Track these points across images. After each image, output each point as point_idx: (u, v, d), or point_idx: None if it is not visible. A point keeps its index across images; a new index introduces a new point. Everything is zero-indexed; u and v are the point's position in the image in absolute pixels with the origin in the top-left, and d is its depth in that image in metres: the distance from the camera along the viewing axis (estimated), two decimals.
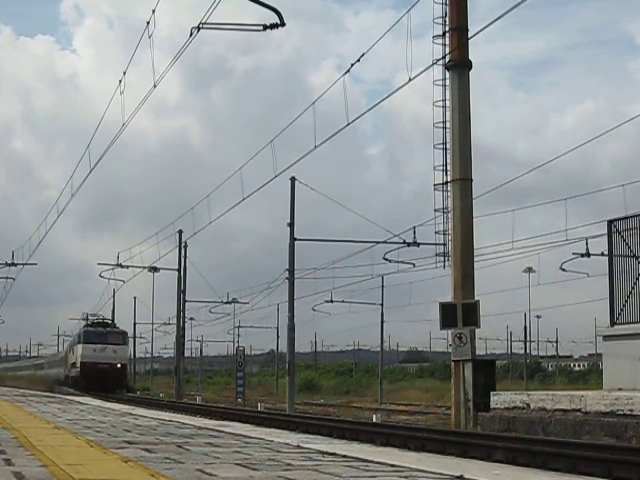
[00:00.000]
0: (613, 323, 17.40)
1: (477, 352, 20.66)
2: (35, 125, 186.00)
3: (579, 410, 14.21)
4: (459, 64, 20.09)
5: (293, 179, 30.60)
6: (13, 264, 39.49)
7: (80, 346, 54.78)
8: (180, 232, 43.49)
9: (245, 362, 43.45)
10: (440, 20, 20.76)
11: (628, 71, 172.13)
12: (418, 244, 32.30)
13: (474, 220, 20.31)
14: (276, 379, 69.48)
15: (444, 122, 21.29)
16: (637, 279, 16.98)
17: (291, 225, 30.91)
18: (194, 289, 60.34)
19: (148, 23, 16.71)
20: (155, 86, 18.60)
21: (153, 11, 16.57)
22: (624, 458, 10.95)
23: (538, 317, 71.81)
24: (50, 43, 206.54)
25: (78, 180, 28.29)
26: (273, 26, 14.30)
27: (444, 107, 21.19)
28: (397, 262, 35.70)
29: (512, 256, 33.35)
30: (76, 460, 5.63)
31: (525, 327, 63.92)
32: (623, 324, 17.02)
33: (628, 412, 13.23)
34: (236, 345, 62.07)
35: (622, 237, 17.39)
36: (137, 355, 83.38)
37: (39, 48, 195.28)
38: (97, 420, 11.60)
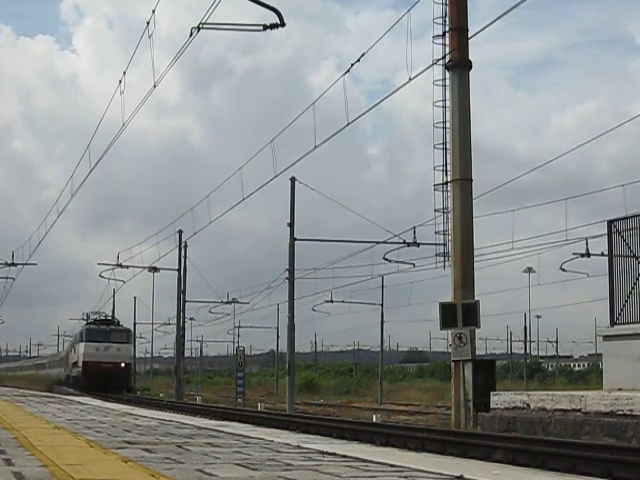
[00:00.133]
0: (613, 323, 17.39)
1: (477, 352, 20.66)
2: (35, 125, 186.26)
3: (579, 410, 14.21)
4: (459, 64, 20.09)
5: (293, 179, 30.60)
6: (13, 264, 39.50)
7: (82, 344, 52.97)
8: (180, 232, 43.52)
9: (245, 362, 43.43)
10: (440, 20, 20.77)
11: (628, 71, 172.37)
12: (418, 244, 32.30)
13: (474, 220, 20.32)
14: (276, 379, 69.50)
15: (444, 122, 21.29)
16: (637, 279, 16.98)
17: (291, 225, 30.91)
18: (194, 289, 60.34)
19: (148, 23, 16.72)
20: (155, 86, 18.61)
21: (153, 11, 16.58)
22: (624, 458, 10.95)
23: (538, 317, 71.90)
24: (50, 43, 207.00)
25: (78, 180, 28.31)
26: (273, 26, 14.30)
27: (444, 107, 21.19)
28: (397, 262, 35.72)
29: (512, 256, 33.37)
30: (76, 460, 5.63)
31: (525, 327, 64.01)
32: (623, 324, 17.02)
33: (628, 412, 13.23)
34: (236, 345, 62.13)
35: (622, 237, 17.39)
36: (137, 355, 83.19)
37: (39, 48, 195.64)
38: (97, 420, 11.60)
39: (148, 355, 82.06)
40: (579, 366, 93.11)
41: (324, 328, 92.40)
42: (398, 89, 20.24)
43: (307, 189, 31.59)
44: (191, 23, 18.37)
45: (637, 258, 17.00)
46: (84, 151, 25.59)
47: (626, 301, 17.09)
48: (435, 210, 21.94)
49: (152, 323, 62.94)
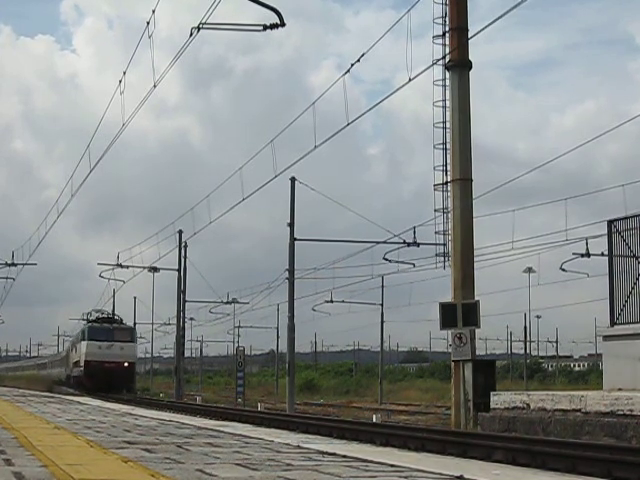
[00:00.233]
0: (613, 323, 17.39)
1: (477, 352, 20.66)
2: (35, 125, 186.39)
3: (579, 410, 14.21)
4: (459, 64, 20.09)
5: (293, 179, 30.61)
6: (13, 264, 39.49)
7: (84, 343, 51.01)
8: (180, 232, 43.52)
9: (245, 362, 43.42)
10: (440, 20, 20.77)
11: (628, 71, 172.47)
12: (418, 244, 32.30)
13: (474, 220, 20.32)
14: (276, 379, 69.47)
15: (444, 122, 21.29)
16: (637, 279, 16.98)
17: (291, 225, 30.91)
18: (194, 289, 60.28)
19: (148, 23, 16.73)
20: (155, 86, 18.61)
21: (153, 11, 16.59)
22: (624, 458, 10.94)
23: (538, 317, 71.90)
24: (50, 43, 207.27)
25: (78, 180, 28.32)
26: (273, 26, 14.30)
27: (444, 107, 21.19)
28: (397, 262, 35.72)
29: (512, 256, 33.37)
30: (76, 460, 5.63)
31: (525, 327, 63.99)
32: (623, 324, 17.02)
33: (628, 412, 13.22)
34: (236, 345, 62.10)
35: (622, 237, 17.39)
36: (137, 355, 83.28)
37: (39, 48, 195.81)
38: (97, 420, 11.60)
39: (148, 355, 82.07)
40: (579, 366, 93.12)
41: (324, 328, 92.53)
42: (398, 89, 20.26)
43: (307, 189, 31.62)
44: (191, 23, 18.39)
45: (637, 258, 17.00)
46: (84, 151, 25.63)
47: (626, 301, 17.09)
48: (435, 210, 21.95)
49: (152, 323, 62.85)
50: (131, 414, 14.10)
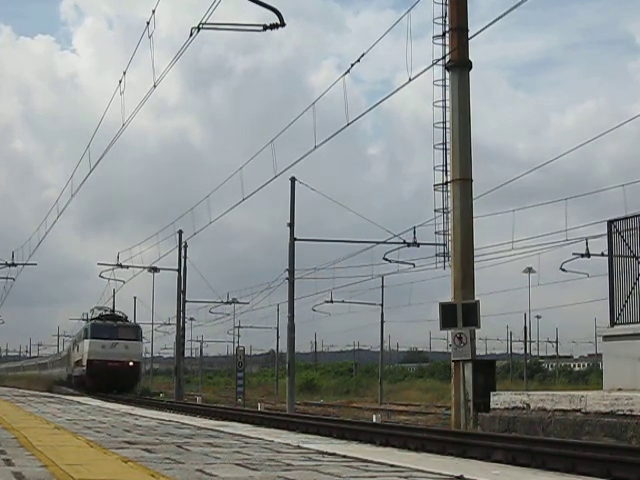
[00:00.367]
0: (613, 323, 17.40)
1: (477, 352, 20.66)
2: (35, 125, 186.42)
3: (579, 410, 14.21)
4: (459, 64, 20.08)
5: (293, 179, 30.62)
6: (13, 264, 39.51)
7: (87, 341, 48.70)
8: (180, 232, 43.55)
9: (245, 362, 43.39)
10: (440, 20, 20.76)
11: (628, 71, 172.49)
12: (418, 244, 32.32)
13: (474, 220, 20.32)
14: (276, 379, 69.49)
15: (444, 122, 21.29)
16: (637, 279, 16.98)
17: (291, 225, 30.92)
18: (194, 289, 60.32)
19: (148, 23, 16.75)
20: (155, 86, 18.62)
21: (153, 11, 16.61)
22: (624, 458, 10.94)
23: (538, 317, 71.92)
24: (50, 43, 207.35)
25: (78, 180, 28.35)
26: (273, 26, 14.31)
27: (444, 107, 21.19)
28: (397, 262, 35.75)
29: (512, 256, 33.42)
30: (76, 460, 5.63)
31: (525, 327, 64.00)
32: (623, 324, 17.02)
33: (628, 412, 13.23)
34: (236, 345, 62.09)
35: (622, 237, 17.39)
36: None
37: (39, 48, 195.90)
38: (97, 420, 11.60)
39: (148, 355, 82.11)
40: (579, 366, 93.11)
41: (324, 328, 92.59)
42: (398, 89, 20.28)
43: (307, 189, 31.64)
44: (191, 23, 18.41)
45: (637, 258, 17.00)
46: (84, 151, 25.66)
47: (626, 301, 17.09)
48: (435, 210, 21.96)
49: (152, 323, 62.80)
50: (131, 414, 14.10)
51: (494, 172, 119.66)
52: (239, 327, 70.42)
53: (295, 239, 31.06)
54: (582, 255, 35.43)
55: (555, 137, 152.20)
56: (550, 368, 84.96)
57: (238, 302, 54.06)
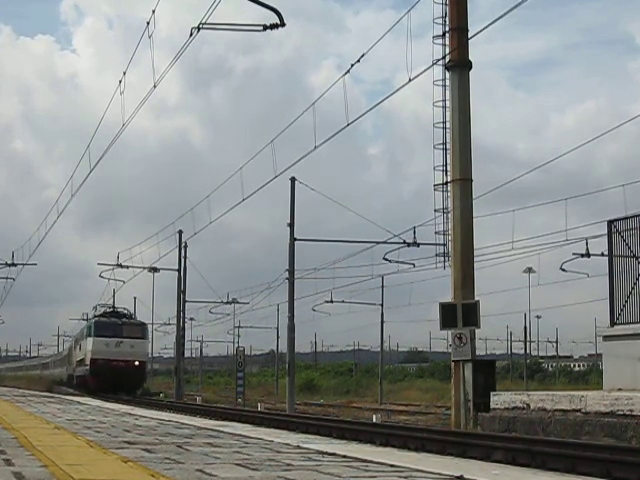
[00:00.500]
0: (613, 323, 17.40)
1: (477, 352, 20.66)
2: (35, 125, 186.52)
3: (579, 410, 14.21)
4: (459, 64, 20.09)
5: (293, 179, 30.63)
6: (13, 264, 39.51)
7: (90, 339, 46.43)
8: (180, 232, 43.55)
9: (245, 362, 43.34)
10: (440, 20, 20.77)
11: (628, 71, 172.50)
12: (418, 244, 32.34)
13: (474, 220, 20.33)
14: (276, 379, 69.49)
15: (444, 122, 21.29)
16: (637, 279, 16.98)
17: (291, 225, 30.93)
18: (194, 289, 60.28)
19: (148, 23, 16.76)
20: (155, 86, 18.63)
21: (153, 11, 16.62)
22: (624, 458, 10.94)
23: (538, 317, 71.92)
24: (50, 43, 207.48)
25: (78, 180, 28.37)
26: (273, 26, 14.31)
27: (444, 107, 21.19)
28: (397, 262, 35.76)
29: (512, 256, 33.43)
30: (76, 460, 5.63)
31: (525, 327, 64.00)
32: (623, 324, 17.03)
33: (628, 412, 13.23)
34: (236, 345, 62.12)
35: (622, 237, 17.39)
36: None
37: (39, 48, 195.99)
38: (97, 420, 11.60)
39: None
40: (579, 366, 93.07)
41: (324, 328, 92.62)
42: (398, 89, 20.29)
43: (307, 189, 31.66)
44: (191, 23, 18.42)
45: (637, 258, 17.01)
46: (84, 151, 25.68)
47: (626, 301, 17.09)
48: (435, 210, 21.96)
49: (152, 323, 62.63)
50: (131, 414, 14.10)
51: (494, 172, 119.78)
52: (239, 327, 70.52)
53: (295, 239, 31.07)
54: (582, 255, 35.44)
55: (555, 137, 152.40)
56: (550, 368, 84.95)
57: (238, 302, 54.12)
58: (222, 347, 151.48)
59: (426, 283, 45.89)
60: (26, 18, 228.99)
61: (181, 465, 5.57)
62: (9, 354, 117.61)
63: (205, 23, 15.62)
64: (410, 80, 18.23)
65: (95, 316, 49.83)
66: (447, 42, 20.48)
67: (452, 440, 14.59)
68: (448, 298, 20.21)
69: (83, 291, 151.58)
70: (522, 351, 70.00)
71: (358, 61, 19.07)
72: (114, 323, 47.15)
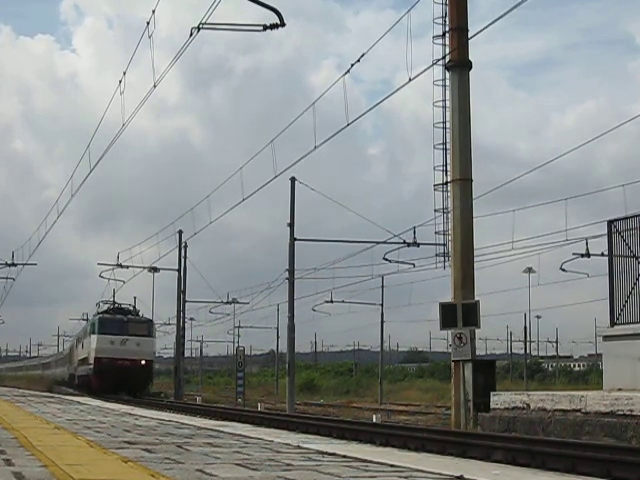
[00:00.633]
0: (613, 323, 17.40)
1: (477, 352, 20.66)
2: (35, 125, 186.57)
3: (579, 410, 14.21)
4: (459, 64, 20.09)
5: (293, 179, 30.64)
6: (13, 264, 39.52)
7: (94, 337, 44.08)
8: (180, 232, 43.56)
9: (245, 362, 43.29)
10: (440, 20, 20.77)
11: (628, 71, 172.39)
12: (418, 244, 32.35)
13: (474, 220, 20.33)
14: (276, 379, 69.50)
15: (444, 122, 21.29)
16: (637, 279, 16.98)
17: (291, 225, 30.93)
18: (194, 289, 60.30)
19: (148, 23, 16.77)
20: (155, 86, 18.63)
21: (153, 11, 16.62)
22: (624, 458, 10.94)
23: (538, 317, 71.95)
24: (50, 43, 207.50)
25: (78, 180, 28.38)
26: (273, 26, 14.31)
27: (444, 107, 21.19)
28: (397, 262, 35.77)
29: (512, 256, 33.46)
30: (76, 460, 5.63)
31: (525, 327, 64.01)
32: (623, 324, 17.02)
33: (628, 412, 13.23)
34: (236, 345, 62.10)
35: (622, 237, 17.39)
36: None
37: (39, 48, 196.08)
38: (97, 420, 11.60)
39: None
40: (579, 366, 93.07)
41: (324, 328, 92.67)
42: (398, 89, 20.30)
43: (307, 189, 31.67)
44: (191, 23, 18.43)
45: (637, 258, 17.00)
46: (84, 151, 25.69)
47: (626, 301, 17.09)
48: (435, 210, 21.96)
49: None
50: (131, 414, 14.10)
51: (494, 172, 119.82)
52: (239, 327, 70.54)
53: (295, 239, 31.07)
54: (582, 255, 35.44)
55: (555, 137, 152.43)
56: (550, 368, 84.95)
57: (238, 302, 54.12)
58: (222, 347, 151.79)
59: (426, 283, 45.97)
60: (26, 18, 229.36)
61: (181, 465, 5.57)
62: (9, 354, 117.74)
63: (205, 23, 15.63)
64: (410, 80, 18.26)
65: (99, 312, 47.56)
66: (447, 42, 20.49)
67: (452, 440, 14.58)
68: (448, 298, 20.20)
69: (83, 291, 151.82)
70: (522, 351, 70.06)
71: (358, 61, 19.09)
72: (119, 320, 44.64)
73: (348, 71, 19.98)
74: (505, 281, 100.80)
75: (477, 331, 19.60)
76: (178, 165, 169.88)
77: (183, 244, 44.39)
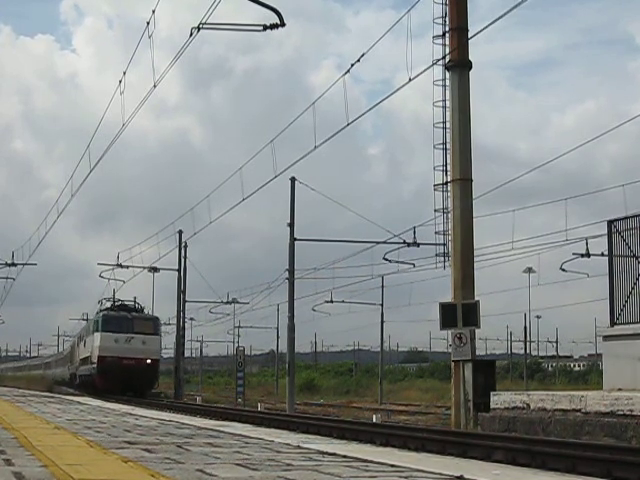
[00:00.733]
0: (613, 323, 17.40)
1: (477, 352, 20.66)
2: (35, 125, 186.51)
3: (579, 410, 14.21)
4: (459, 64, 20.09)
5: (293, 179, 30.64)
6: (13, 264, 39.52)
7: (98, 335, 42.25)
8: (180, 232, 43.54)
9: (245, 362, 43.28)
10: (440, 20, 20.77)
11: (628, 71, 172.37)
12: (418, 244, 32.35)
13: (474, 220, 20.33)
14: (276, 379, 69.50)
15: (444, 122, 21.29)
16: (637, 279, 16.98)
17: (291, 225, 30.93)
18: (194, 289, 60.32)
19: (148, 23, 16.77)
20: (155, 86, 18.64)
21: (153, 11, 16.63)
22: (624, 458, 10.94)
23: (538, 317, 71.97)
24: (50, 42, 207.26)
25: (78, 180, 28.39)
26: (273, 26, 14.31)
27: (444, 107, 21.20)
28: (397, 262, 35.78)
29: (512, 256, 33.48)
30: (76, 460, 5.63)
31: (525, 327, 64.01)
32: (623, 324, 17.02)
33: (628, 412, 13.23)
34: (236, 345, 62.10)
35: (622, 237, 17.39)
36: None
37: (39, 48, 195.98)
38: (97, 420, 11.60)
39: None
40: (579, 366, 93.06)
41: (324, 328, 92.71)
42: (398, 89, 20.30)
43: (307, 189, 31.67)
44: (191, 23, 18.45)
45: (637, 258, 17.00)
46: (84, 151, 25.70)
47: (626, 301, 17.09)
48: (435, 210, 21.97)
49: None
50: (131, 414, 14.10)
51: (494, 172, 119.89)
52: (239, 327, 70.52)
53: (295, 239, 31.07)
54: (582, 255, 35.45)
55: (555, 137, 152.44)
56: (550, 368, 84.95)
57: (238, 302, 54.13)
58: (222, 347, 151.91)
59: (426, 283, 46.01)
60: (26, 18, 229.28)
61: (181, 465, 5.57)
62: (9, 354, 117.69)
63: (205, 23, 15.63)
64: (410, 80, 18.26)
65: (102, 310, 45.72)
66: (447, 42, 20.49)
67: (452, 440, 14.58)
68: (448, 298, 20.20)
69: (83, 291, 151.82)
70: (522, 351, 70.06)
71: (358, 61, 19.10)
72: (124, 317, 42.88)
73: (348, 71, 20.01)
74: (505, 281, 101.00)
75: (477, 331, 19.60)
76: (178, 165, 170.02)
77: (183, 244, 44.40)
